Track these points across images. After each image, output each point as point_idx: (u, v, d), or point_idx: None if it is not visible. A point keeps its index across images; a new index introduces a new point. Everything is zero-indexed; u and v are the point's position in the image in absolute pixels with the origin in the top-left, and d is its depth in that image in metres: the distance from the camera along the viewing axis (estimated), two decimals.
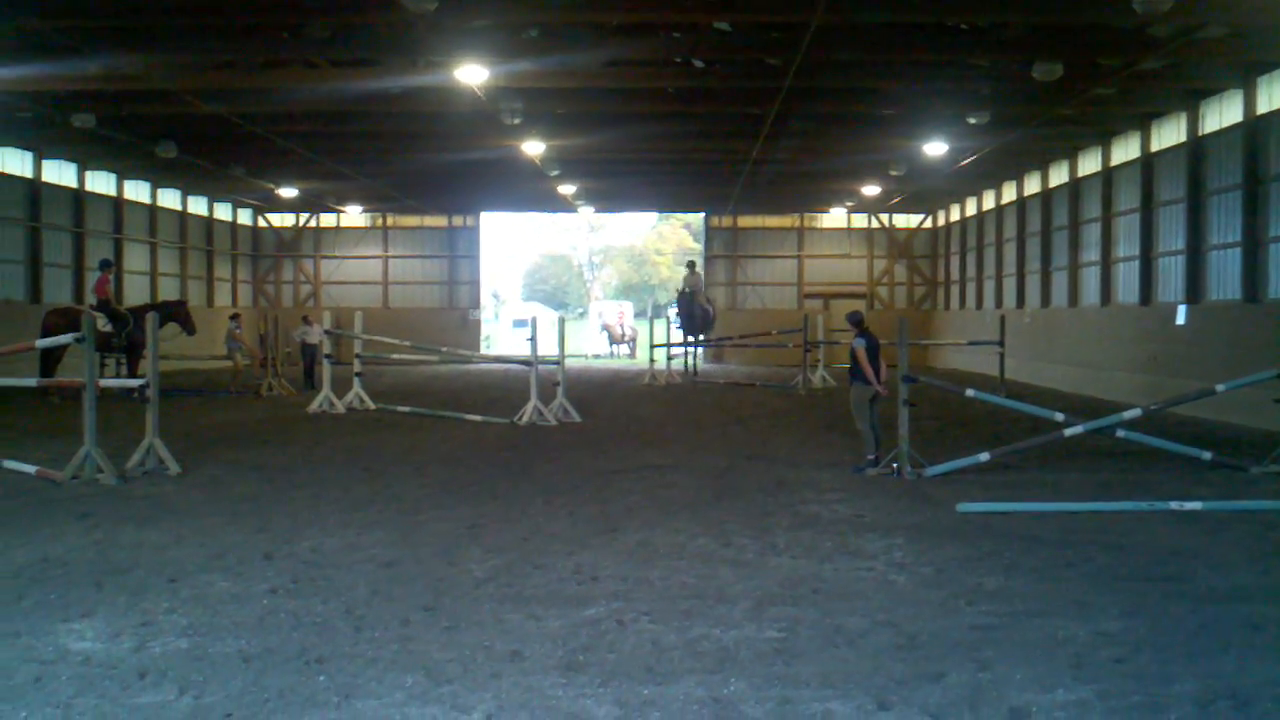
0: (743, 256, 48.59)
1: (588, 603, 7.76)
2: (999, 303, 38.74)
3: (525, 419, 19.92)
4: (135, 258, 38.95)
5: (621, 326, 56.99)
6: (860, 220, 47.97)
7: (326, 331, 22.71)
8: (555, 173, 35.43)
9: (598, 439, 18.04)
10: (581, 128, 28.28)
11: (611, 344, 55.17)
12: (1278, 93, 21.65)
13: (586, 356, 51.32)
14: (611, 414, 22.52)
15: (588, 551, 9.43)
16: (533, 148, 29.82)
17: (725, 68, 22.91)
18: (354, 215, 48.50)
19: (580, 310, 70.13)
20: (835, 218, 47.77)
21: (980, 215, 42.04)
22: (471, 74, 21.08)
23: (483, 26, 19.75)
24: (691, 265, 37.18)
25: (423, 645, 6.78)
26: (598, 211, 56.98)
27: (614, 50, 21.15)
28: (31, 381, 17.55)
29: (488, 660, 6.49)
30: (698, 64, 22.64)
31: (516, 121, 25.74)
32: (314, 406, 21.74)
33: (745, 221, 48.46)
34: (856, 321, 15.01)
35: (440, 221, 49.23)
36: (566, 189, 40.14)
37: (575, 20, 19.67)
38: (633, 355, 53.82)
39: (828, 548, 9.68)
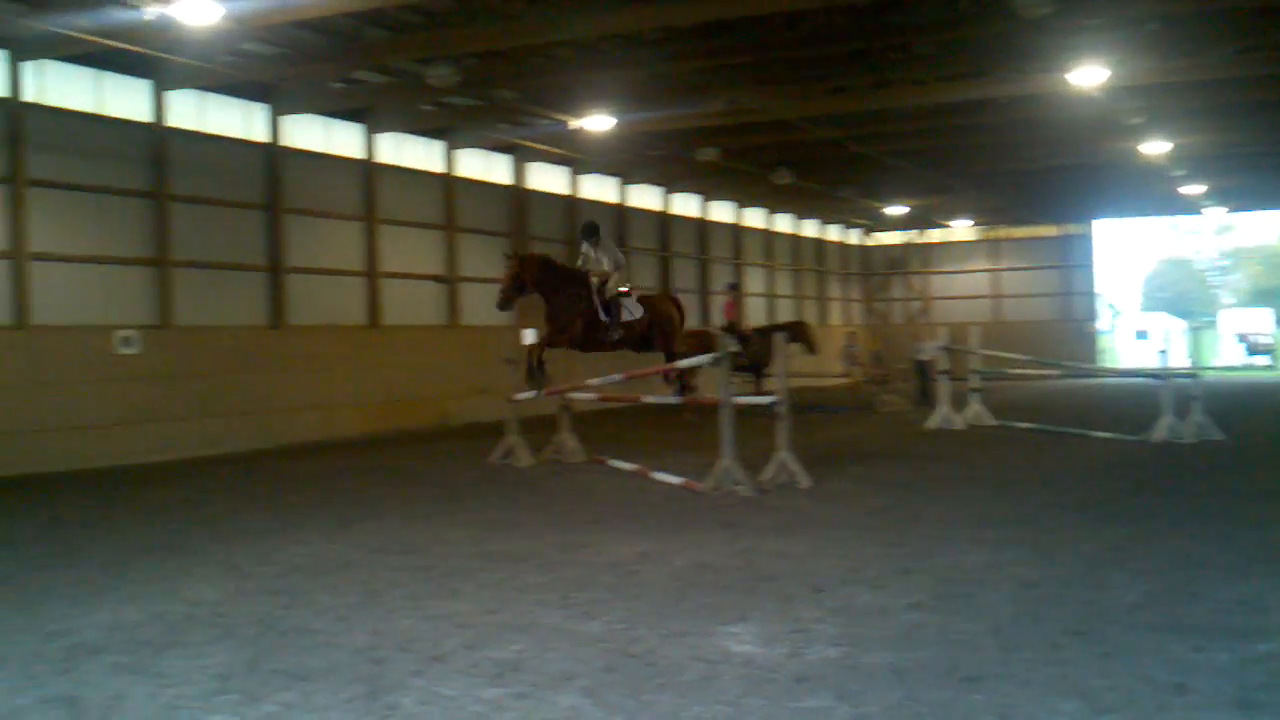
0: None
1: (1257, 636, 7.05)
2: None
3: (1159, 436, 18.69)
4: (753, 281, 41.13)
5: (1260, 335, 52.32)
6: None
7: (941, 348, 22.66)
8: (1180, 173, 33.21)
9: (1243, 458, 16.55)
10: (1213, 122, 26.29)
11: (1250, 354, 50.76)
12: None
13: (1220, 368, 47.50)
14: (1255, 431, 20.60)
15: (1249, 581, 8.60)
16: (1154, 148, 28.13)
17: None
18: (961, 229, 48.31)
19: (1207, 318, 65.08)
20: None
21: None
22: (1087, 76, 20.21)
23: (1098, 25, 18.88)
24: None
25: (1077, 670, 6.45)
26: (1229, 211, 52.70)
27: (1246, 37, 19.42)
28: (672, 400, 18.97)
29: (1151, 691, 6.06)
30: None
31: (1137, 121, 24.38)
32: (932, 423, 21.75)
33: None
34: None
35: (1051, 231, 47.82)
36: (1192, 189, 37.51)
37: (1201, 8, 18.26)
38: (1273, 365, 49.19)
39: None
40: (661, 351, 18.03)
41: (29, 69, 18.50)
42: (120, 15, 16.32)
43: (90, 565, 10.16)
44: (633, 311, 17.16)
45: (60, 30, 17.15)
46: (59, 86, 19.17)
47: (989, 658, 6.72)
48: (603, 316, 16.80)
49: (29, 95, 18.57)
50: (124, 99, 20.23)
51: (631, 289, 17.56)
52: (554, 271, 16.77)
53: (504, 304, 16.68)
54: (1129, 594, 8.27)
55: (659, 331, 17.82)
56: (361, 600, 8.49)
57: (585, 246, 17.19)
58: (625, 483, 14.86)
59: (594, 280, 16.71)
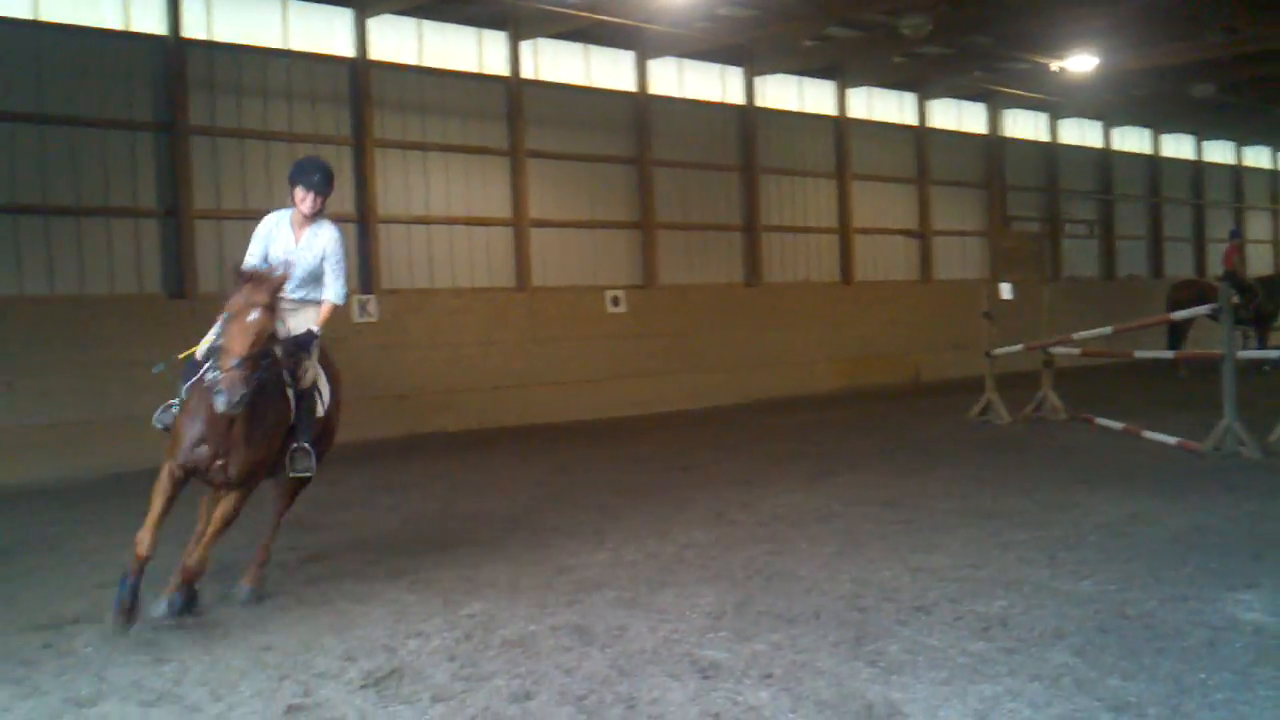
0: None
1: None
2: None
3: None
4: (1256, 226, 37.85)
5: None
6: None
7: None
8: None
9: None
10: None
11: None
12: None
13: None
14: None
15: None
16: None
17: None
18: None
19: None
20: None
21: None
22: None
23: None
24: None
25: None
26: None
27: None
28: (1166, 354, 17.83)
29: None
30: None
31: None
32: None
33: None
34: None
35: None
36: None
37: None
38: None
39: None
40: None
41: (526, 48, 19.99)
42: None
43: (588, 508, 10.95)
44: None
45: (553, 8, 18.41)
46: (552, 62, 20.62)
47: None
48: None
49: (526, 72, 20.08)
50: (610, 70, 21.44)
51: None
52: None
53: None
54: None
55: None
56: (843, 549, 8.62)
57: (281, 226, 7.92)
58: (1113, 441, 14.17)
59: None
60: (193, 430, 6.92)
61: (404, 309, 18.36)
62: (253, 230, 7.84)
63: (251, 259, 7.49)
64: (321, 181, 7.62)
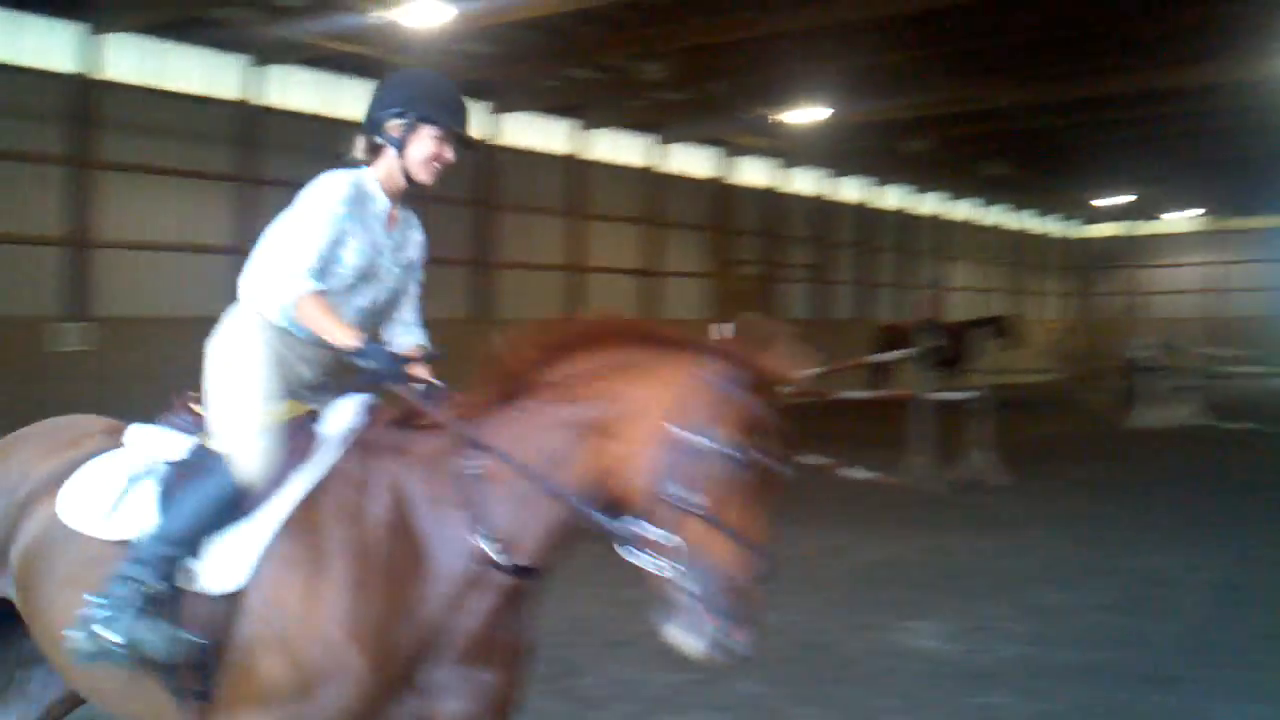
0: None
1: None
2: None
3: None
4: (961, 274, 40.38)
5: None
6: None
7: (1153, 345, 21.92)
8: None
9: None
10: None
11: None
12: None
13: None
14: None
15: None
16: None
17: None
18: (1181, 221, 46.27)
19: None
20: None
21: None
22: None
23: None
24: None
25: (1271, 675, 6.31)
26: None
27: None
28: (865, 394, 18.87)
29: None
30: None
31: None
32: (1139, 422, 21.06)
33: None
34: None
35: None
36: None
37: None
38: None
39: None
40: None
41: (263, 73, 19.55)
42: (351, 20, 17.12)
43: None
44: None
45: (296, 36, 18.08)
46: (291, 89, 20.22)
47: (1178, 660, 6.63)
48: None
49: (266, 98, 19.64)
50: (351, 101, 21.19)
51: None
52: None
53: None
54: None
55: None
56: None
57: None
58: (815, 477, 14.80)
59: None
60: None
61: (119, 337, 17.58)
62: None
63: (310, 264, 3.48)
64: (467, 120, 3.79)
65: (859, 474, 14.13)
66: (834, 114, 23.33)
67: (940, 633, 7.29)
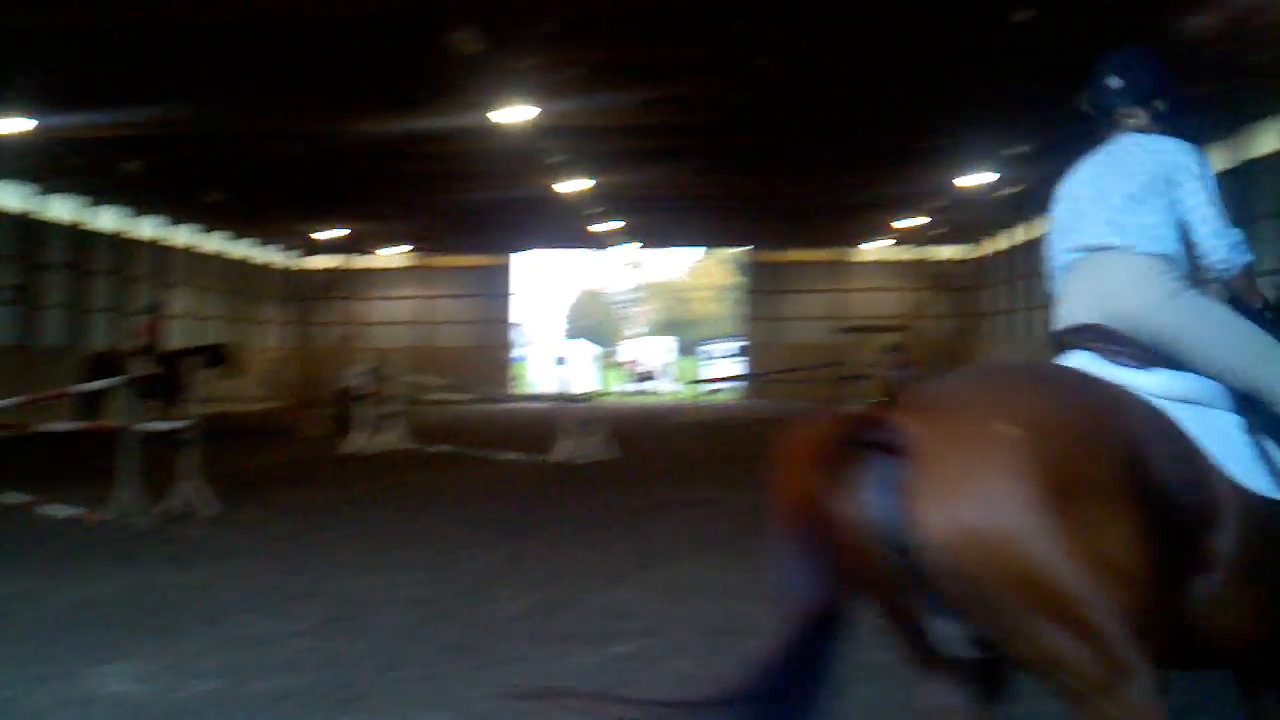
0: (783, 291, 48.65)
1: (618, 640, 7.74)
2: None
3: (559, 457, 19.94)
4: (180, 301, 39.48)
5: (643, 362, 57.09)
6: (901, 253, 47.97)
7: (365, 373, 22.90)
8: (596, 210, 35.64)
9: (633, 475, 18.05)
10: (623, 165, 28.50)
11: (638, 381, 55.07)
12: None
13: (622, 393, 51.27)
14: (647, 450, 22.51)
15: (620, 589, 9.42)
16: (573, 185, 30.03)
17: (764, 102, 23.01)
18: (393, 256, 48.99)
19: (620, 348, 70.45)
20: (876, 250, 47.76)
21: (1028, 243, 41.86)
22: (516, 114, 21.22)
23: (529, 67, 19.94)
24: None
25: (453, 685, 6.78)
26: (640, 248, 57.23)
27: (656, 88, 21.24)
28: (72, 425, 17.76)
29: (516, 698, 6.48)
30: (736, 100, 22.75)
31: (558, 160, 25.93)
32: (350, 447, 21.89)
33: (785, 256, 48.57)
34: (898, 353, 14.99)
35: (478, 260, 49.63)
36: (607, 226, 40.37)
37: (625, 60, 19.77)
38: (659, 391, 53.85)
39: None
40: None
41: None
42: None
43: None
44: None
45: None
46: None
47: (370, 678, 6.90)
48: None
49: None
50: None
51: None
52: None
53: None
54: (513, 606, 8.79)
55: None
56: None
57: None
58: (5, 517, 13.61)
59: None
60: None
61: None
62: None
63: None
64: None
65: (60, 511, 13.22)
66: (40, 126, 21.80)
67: (135, 674, 7.00)
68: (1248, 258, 4.05)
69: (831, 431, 3.29)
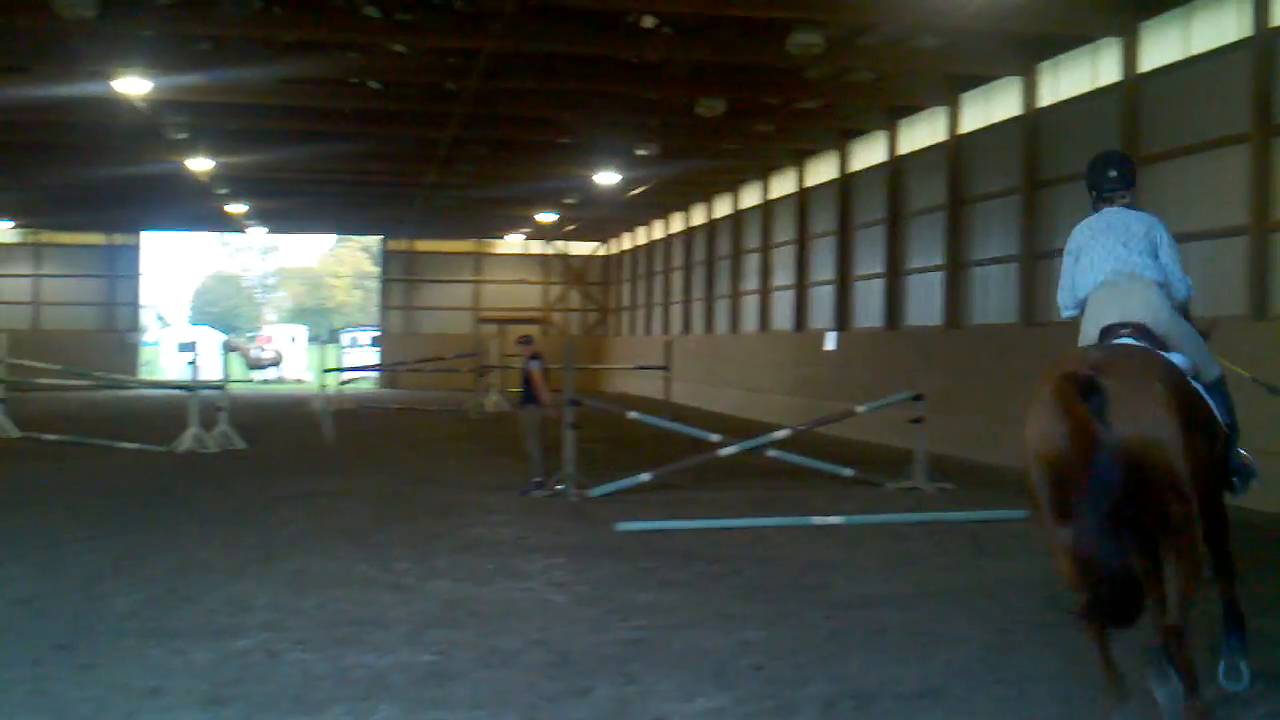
0: (420, 280, 48.44)
1: (238, 634, 7.54)
2: (667, 329, 40.04)
3: (185, 446, 19.12)
4: None
5: (264, 349, 54.75)
6: (536, 246, 48.71)
7: None
8: (224, 191, 34.31)
9: (262, 466, 17.59)
10: (253, 145, 27.49)
11: (251, 369, 52.52)
12: (916, 135, 23.37)
13: (253, 381, 49.43)
14: (278, 440, 21.94)
15: (242, 581, 9.18)
16: (200, 164, 28.71)
17: (402, 90, 22.83)
18: (3, 231, 45.27)
19: (252, 334, 67.88)
20: (512, 244, 48.31)
21: (651, 244, 43.45)
22: (133, 85, 20.11)
23: (148, 37, 18.94)
24: None
25: (56, 685, 6.42)
26: (271, 232, 55.34)
27: (288, 67, 20.60)
28: None
29: (125, 698, 6.21)
30: (374, 85, 22.45)
31: (182, 136, 24.80)
32: None
33: (423, 246, 48.41)
34: (528, 345, 15.25)
35: (98, 239, 46.65)
36: (236, 208, 38.92)
37: (248, 34, 19.10)
38: (287, 380, 52.28)
39: (489, 570, 9.78)
40: None
41: None
42: None
43: None
44: None
45: None
46: None
47: None
48: None
49: None
50: None
51: None
52: None
53: None
54: (124, 603, 8.40)
55: None
56: None
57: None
58: None
59: None
60: None
61: None
62: None
63: None
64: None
65: None
66: None
67: None
68: (1193, 293, 6.40)
69: (1073, 381, 5.24)
